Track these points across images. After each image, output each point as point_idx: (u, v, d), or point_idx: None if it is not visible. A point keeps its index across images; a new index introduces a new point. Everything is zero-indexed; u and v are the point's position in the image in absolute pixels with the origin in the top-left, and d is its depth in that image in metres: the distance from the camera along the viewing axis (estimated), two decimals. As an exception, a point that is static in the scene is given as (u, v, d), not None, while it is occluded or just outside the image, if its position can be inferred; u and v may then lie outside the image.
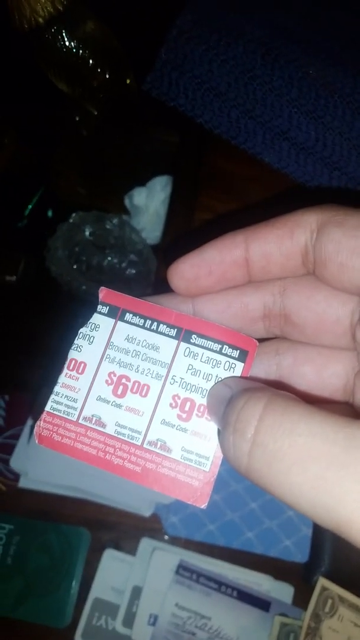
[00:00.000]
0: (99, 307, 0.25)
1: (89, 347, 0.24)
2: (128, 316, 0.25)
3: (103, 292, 0.25)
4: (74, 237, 0.60)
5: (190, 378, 0.24)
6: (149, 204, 0.62)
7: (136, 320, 0.25)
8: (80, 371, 0.24)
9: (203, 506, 0.23)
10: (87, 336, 0.24)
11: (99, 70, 0.57)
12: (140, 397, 0.24)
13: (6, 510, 0.57)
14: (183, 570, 0.54)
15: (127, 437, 0.24)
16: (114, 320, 0.25)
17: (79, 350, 0.24)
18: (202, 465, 0.23)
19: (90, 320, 0.25)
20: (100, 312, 0.25)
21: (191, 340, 0.24)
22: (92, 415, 0.24)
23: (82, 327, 0.25)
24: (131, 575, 0.55)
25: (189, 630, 0.53)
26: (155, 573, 0.55)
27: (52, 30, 0.54)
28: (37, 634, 0.54)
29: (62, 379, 0.24)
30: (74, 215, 0.60)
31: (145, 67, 0.55)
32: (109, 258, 0.60)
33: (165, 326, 0.24)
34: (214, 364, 0.24)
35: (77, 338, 0.25)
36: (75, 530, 0.56)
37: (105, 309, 0.25)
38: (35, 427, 0.24)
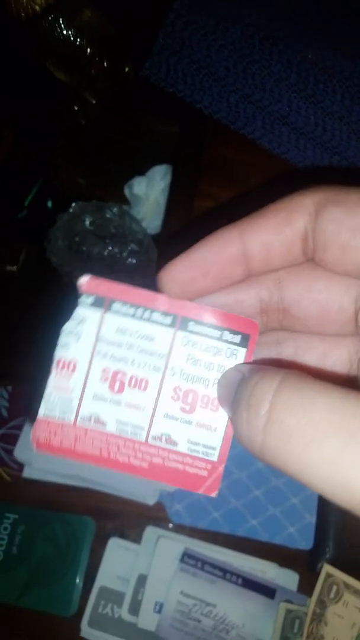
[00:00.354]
0: (83, 298, 0.23)
1: (77, 344, 0.23)
2: (116, 306, 0.23)
3: (85, 281, 0.23)
4: (74, 227, 0.60)
5: (191, 368, 0.23)
6: (149, 194, 0.62)
7: (126, 309, 0.23)
8: (70, 370, 0.23)
9: (214, 494, 0.22)
10: (73, 332, 0.23)
11: (96, 58, 0.57)
12: (139, 391, 0.23)
13: (11, 500, 0.58)
14: (188, 558, 0.55)
15: (130, 433, 0.23)
16: (101, 311, 0.23)
17: (66, 348, 0.23)
18: (210, 455, 0.23)
19: (74, 314, 0.23)
20: (84, 304, 0.23)
21: (188, 328, 0.23)
22: (90, 415, 0.23)
23: (65, 322, 0.23)
24: (136, 564, 0.55)
25: (194, 618, 0.53)
26: (160, 561, 0.55)
27: (49, 18, 0.54)
28: (43, 622, 0.54)
29: (52, 380, 0.22)
30: (73, 205, 0.60)
31: (144, 55, 0.54)
32: (110, 248, 0.60)
33: (158, 314, 0.23)
34: (214, 352, 0.23)
35: (61, 335, 0.22)
36: (79, 519, 0.56)
37: (89, 300, 0.22)
38: (31, 434, 0.22)
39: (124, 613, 0.54)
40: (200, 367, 0.23)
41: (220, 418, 0.23)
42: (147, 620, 0.53)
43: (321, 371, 0.24)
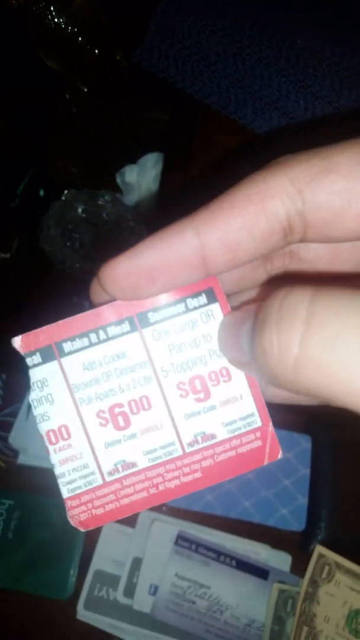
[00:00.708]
0: (29, 360, 0.20)
1: (54, 408, 0.20)
2: (67, 346, 0.20)
3: (20, 342, 0.20)
4: (67, 215, 0.60)
5: (180, 357, 0.21)
6: (141, 181, 0.62)
7: (78, 343, 0.20)
8: (65, 436, 0.21)
9: (280, 455, 0.21)
10: (43, 398, 0.20)
11: (88, 46, 0.57)
12: (146, 412, 0.21)
13: (6, 487, 0.58)
14: (182, 540, 0.55)
15: (165, 456, 0.21)
16: (55, 362, 0.20)
17: (47, 418, 0.20)
18: (253, 423, 0.21)
19: (31, 381, 0.20)
20: (35, 365, 0.20)
21: (150, 321, 0.20)
22: (115, 464, 0.21)
23: (29, 394, 0.21)
24: (131, 547, 0.55)
25: (189, 599, 0.54)
26: (154, 544, 0.55)
27: (41, 6, 0.54)
28: (40, 606, 0.54)
29: (54, 457, 0.21)
30: (66, 192, 0.60)
31: (135, 42, 0.55)
32: (103, 235, 0.60)
33: (113, 327, 0.20)
34: (191, 326, 0.21)
35: (34, 409, 0.21)
36: (74, 504, 0.57)
37: (37, 358, 0.20)
38: (70, 519, 0.21)
39: (119, 596, 0.54)
40: (188, 350, 0.21)
41: (238, 383, 0.21)
42: (142, 602, 0.54)
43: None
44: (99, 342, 0.20)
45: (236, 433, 0.21)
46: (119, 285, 0.19)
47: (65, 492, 0.20)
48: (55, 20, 0.55)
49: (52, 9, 0.54)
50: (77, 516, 0.20)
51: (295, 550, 0.56)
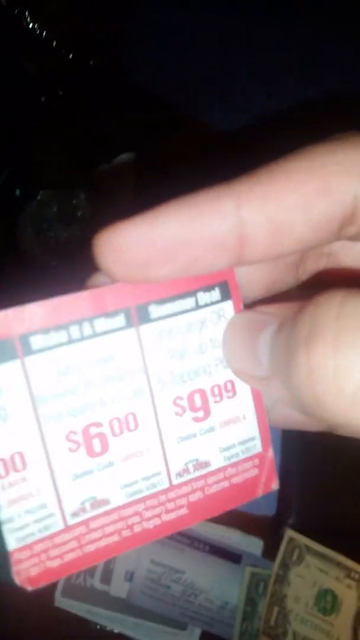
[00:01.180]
0: None
1: (8, 426, 0.14)
2: (37, 340, 0.14)
3: None
4: (42, 214, 0.62)
5: (181, 365, 0.16)
6: (116, 180, 0.64)
7: (53, 338, 0.15)
8: (19, 467, 0.15)
9: (274, 486, 0.18)
10: None
11: (62, 50, 0.59)
12: (130, 433, 0.16)
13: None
14: (157, 527, 0.57)
15: (147, 489, 0.16)
16: (16, 361, 0.14)
17: None
18: (252, 449, 0.18)
19: None
20: None
21: (151, 316, 0.16)
22: (82, 504, 0.16)
23: None
24: (107, 535, 0.57)
25: (164, 584, 0.55)
26: (130, 532, 0.57)
27: (16, 10, 0.56)
28: (17, 594, 0.55)
29: (1, 495, 0.14)
30: (41, 192, 0.62)
31: (111, 45, 0.57)
32: (78, 233, 0.62)
33: (102, 319, 0.15)
34: (199, 326, 0.16)
35: None
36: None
37: None
38: (14, 576, 0.15)
39: (96, 582, 0.55)
40: (192, 356, 0.16)
41: (243, 400, 0.17)
42: (118, 588, 0.55)
43: None
44: (82, 339, 0.15)
45: (232, 460, 0.17)
46: (122, 260, 0.14)
47: (12, 542, 0.15)
48: (30, 26, 0.56)
49: (27, 13, 0.56)
50: (26, 570, 0.15)
51: (266, 534, 0.58)
